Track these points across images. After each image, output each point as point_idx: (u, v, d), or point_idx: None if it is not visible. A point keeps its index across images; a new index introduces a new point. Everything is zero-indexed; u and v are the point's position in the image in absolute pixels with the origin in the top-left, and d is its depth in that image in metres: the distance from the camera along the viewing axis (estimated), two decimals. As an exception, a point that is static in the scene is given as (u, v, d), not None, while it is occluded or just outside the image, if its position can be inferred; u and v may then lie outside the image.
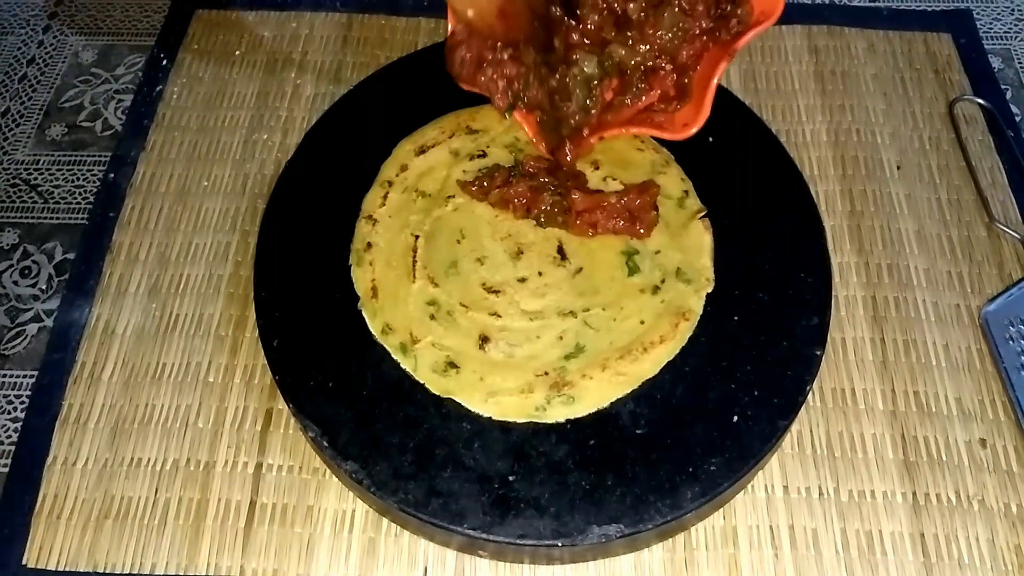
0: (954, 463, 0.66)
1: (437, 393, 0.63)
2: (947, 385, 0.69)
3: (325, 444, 0.61)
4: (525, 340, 0.66)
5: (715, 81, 0.63)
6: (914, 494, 0.65)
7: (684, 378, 0.64)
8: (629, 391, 0.63)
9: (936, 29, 0.90)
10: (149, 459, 0.66)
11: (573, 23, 0.64)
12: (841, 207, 0.78)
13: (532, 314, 0.67)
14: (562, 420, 0.62)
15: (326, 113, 0.78)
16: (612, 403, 0.63)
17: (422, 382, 0.64)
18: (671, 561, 0.62)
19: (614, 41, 0.65)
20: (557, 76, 0.67)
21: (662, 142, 0.75)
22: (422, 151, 0.75)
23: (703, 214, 0.71)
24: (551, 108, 0.69)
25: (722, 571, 0.62)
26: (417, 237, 0.71)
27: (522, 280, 0.69)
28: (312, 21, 0.92)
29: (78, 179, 0.83)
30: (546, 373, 0.64)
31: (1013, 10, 0.95)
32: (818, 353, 0.65)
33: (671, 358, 0.65)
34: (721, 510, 0.64)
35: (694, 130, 0.65)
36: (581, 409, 0.63)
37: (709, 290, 0.68)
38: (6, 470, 0.67)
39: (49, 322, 0.74)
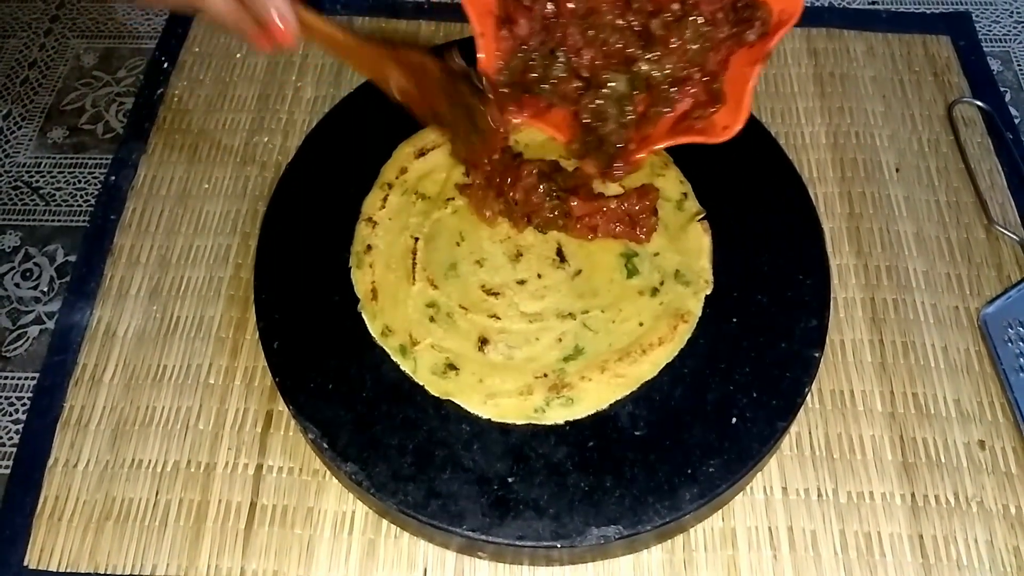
0: (953, 465, 0.66)
1: (436, 395, 0.64)
2: (946, 387, 0.69)
3: (325, 446, 0.61)
4: (524, 342, 0.66)
5: (751, 84, 0.63)
6: (913, 496, 0.65)
7: (683, 380, 0.64)
8: (628, 393, 0.64)
9: (935, 32, 0.91)
10: (150, 461, 0.66)
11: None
12: (840, 209, 0.78)
13: (531, 316, 0.67)
14: (561, 422, 0.63)
15: (326, 116, 0.78)
16: (611, 405, 0.63)
17: (421, 384, 0.64)
18: (670, 562, 0.62)
19: (640, 59, 0.65)
20: (590, 99, 0.66)
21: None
22: (422, 153, 0.76)
23: (702, 216, 0.71)
24: (589, 130, 0.67)
25: (721, 572, 0.62)
26: (417, 239, 0.71)
27: (521, 282, 0.69)
28: (313, 24, 0.92)
29: (79, 182, 0.83)
30: (545, 375, 0.64)
31: (1012, 12, 0.96)
32: (817, 355, 0.65)
33: (670, 360, 0.65)
34: (720, 511, 0.64)
35: (736, 130, 0.65)
36: (580, 411, 0.63)
37: (708, 292, 0.68)
38: (7, 472, 0.67)
39: (50, 324, 0.74)
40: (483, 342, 0.66)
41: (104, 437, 0.68)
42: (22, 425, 0.69)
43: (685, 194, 0.73)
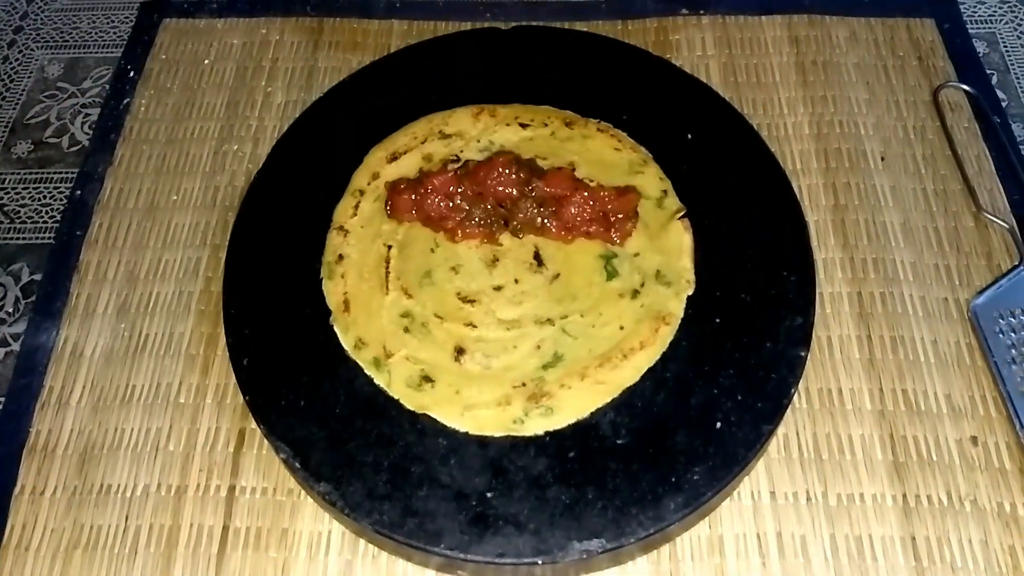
0: (945, 462, 0.64)
1: (412, 409, 0.62)
2: (936, 382, 0.67)
3: (297, 465, 0.60)
4: (502, 350, 0.64)
5: None
6: (904, 496, 0.63)
7: (665, 384, 0.63)
8: (609, 400, 0.62)
9: (919, 14, 0.89)
10: (119, 485, 0.65)
11: None
12: (824, 201, 0.76)
13: (509, 323, 0.65)
14: (541, 432, 0.61)
15: (295, 122, 0.77)
16: (592, 413, 0.62)
17: (396, 398, 0.63)
18: (656, 574, 0.61)
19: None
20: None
21: (640, 140, 0.74)
22: (394, 158, 0.74)
23: (682, 214, 0.70)
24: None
25: (709, 582, 0.61)
26: (390, 247, 0.69)
27: (498, 288, 0.67)
28: (283, 27, 0.90)
29: (44, 197, 0.81)
30: (523, 384, 0.63)
31: (997, -7, 0.94)
32: (802, 354, 0.63)
33: (652, 364, 0.63)
34: (707, 519, 0.62)
35: None
36: (560, 420, 0.61)
37: (690, 292, 0.66)
38: (-27, 501, 0.65)
39: (16, 346, 0.72)
40: (459, 352, 0.64)
41: (72, 462, 0.66)
42: (-12, 452, 0.67)
43: (665, 191, 0.71)
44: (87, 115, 0.87)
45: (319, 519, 0.63)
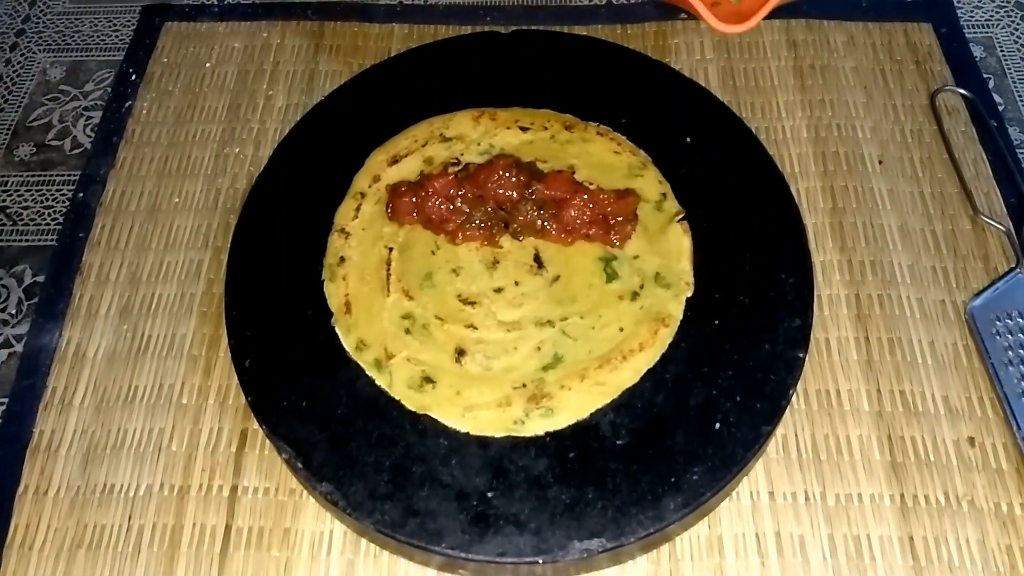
0: (942, 463, 0.65)
1: (413, 409, 0.62)
2: (933, 383, 0.68)
3: (299, 465, 0.60)
4: (502, 352, 0.65)
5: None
6: (902, 496, 0.63)
7: (665, 385, 0.63)
8: (609, 401, 0.62)
9: (916, 19, 0.89)
10: (122, 485, 0.65)
11: None
12: (823, 204, 0.77)
13: (509, 325, 0.66)
14: (541, 433, 0.61)
15: (297, 125, 0.77)
16: (592, 414, 0.62)
17: (398, 398, 0.63)
18: (656, 573, 0.61)
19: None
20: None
21: (640, 144, 0.74)
22: (395, 161, 0.74)
23: (681, 217, 0.70)
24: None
25: (708, 582, 0.61)
26: (391, 249, 0.70)
27: (498, 290, 0.68)
28: (283, 30, 0.91)
29: (47, 199, 0.81)
30: (524, 385, 0.63)
31: (994, -3, 0.94)
32: (801, 355, 0.63)
33: (651, 365, 0.64)
34: (706, 519, 0.63)
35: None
36: (560, 421, 0.62)
37: (689, 294, 0.67)
38: (-23, 501, 0.66)
39: (19, 347, 0.73)
40: (460, 353, 0.65)
41: (75, 462, 0.66)
42: (-9, 453, 0.67)
43: (664, 194, 0.72)
44: (89, 118, 0.87)
45: (321, 519, 0.63)
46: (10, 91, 0.90)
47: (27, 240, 0.79)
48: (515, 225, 0.69)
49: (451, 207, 0.69)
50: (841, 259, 0.74)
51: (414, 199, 0.69)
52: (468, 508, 0.58)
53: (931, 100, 0.83)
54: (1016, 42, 0.91)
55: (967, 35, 0.89)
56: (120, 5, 0.96)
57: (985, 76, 0.86)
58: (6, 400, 0.70)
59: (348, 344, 0.65)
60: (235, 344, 0.65)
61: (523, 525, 0.58)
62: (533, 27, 0.88)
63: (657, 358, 0.64)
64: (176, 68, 0.88)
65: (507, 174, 0.69)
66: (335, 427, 0.62)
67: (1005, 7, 0.94)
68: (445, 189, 0.69)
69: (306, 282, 0.68)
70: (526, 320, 0.66)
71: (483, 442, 0.61)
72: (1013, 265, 0.72)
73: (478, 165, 0.71)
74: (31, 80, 0.91)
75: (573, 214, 0.68)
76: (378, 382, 0.64)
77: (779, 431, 0.65)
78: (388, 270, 0.68)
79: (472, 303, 0.67)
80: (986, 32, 0.92)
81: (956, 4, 0.91)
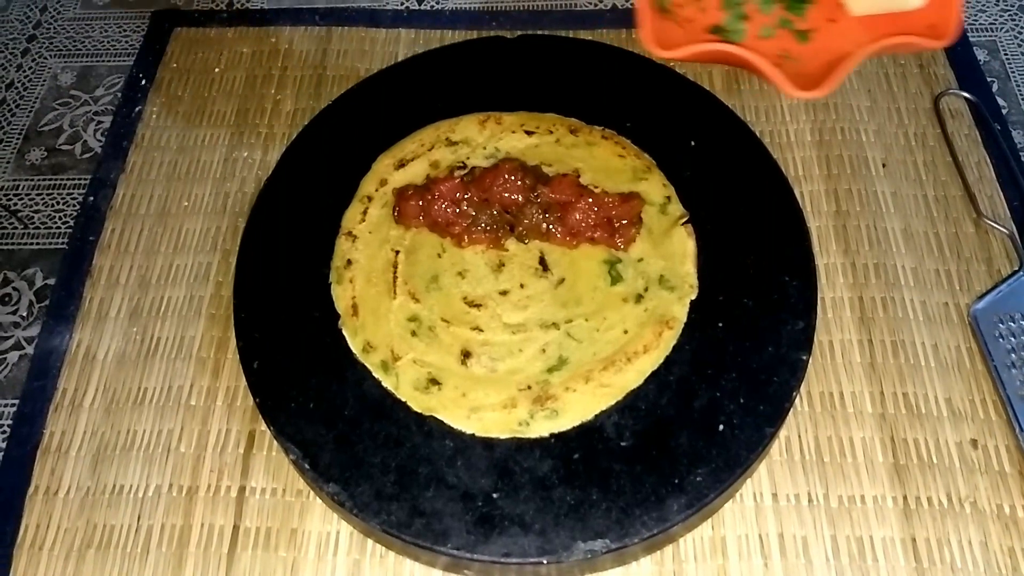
0: (945, 465, 0.65)
1: (419, 411, 0.63)
2: (936, 385, 0.68)
3: (307, 466, 0.60)
4: (507, 354, 0.65)
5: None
6: (905, 498, 0.64)
7: (669, 387, 0.63)
8: (613, 403, 0.63)
9: (920, 23, 0.89)
10: (131, 486, 0.66)
11: None
12: (826, 207, 0.77)
13: (514, 327, 0.66)
14: (546, 434, 0.62)
15: (304, 129, 0.77)
16: (596, 415, 0.62)
17: (404, 400, 0.63)
18: (659, 574, 0.62)
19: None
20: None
21: (644, 147, 0.75)
22: (401, 165, 0.75)
23: (686, 220, 0.70)
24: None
25: (712, 582, 0.61)
26: (397, 252, 0.70)
27: (504, 293, 0.68)
28: (291, 36, 0.92)
29: (58, 203, 0.82)
30: (529, 387, 0.63)
31: (998, 0, 0.94)
32: (804, 358, 0.64)
33: (655, 368, 0.64)
34: (709, 520, 0.63)
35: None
36: (565, 423, 0.62)
37: (693, 297, 0.67)
38: (-12, 500, 0.66)
39: (30, 349, 0.73)
40: (466, 355, 0.65)
41: (85, 463, 0.67)
42: (2, 453, 0.68)
43: (668, 197, 0.72)
44: (99, 122, 0.88)
45: (328, 519, 0.64)
46: (21, 96, 0.91)
47: (38, 243, 0.80)
48: (520, 228, 0.70)
49: (457, 210, 0.70)
50: (845, 262, 0.74)
51: (420, 202, 0.70)
52: (473, 509, 0.59)
53: (935, 103, 0.83)
54: (1020, 46, 0.91)
55: (971, 39, 0.89)
56: (130, 11, 0.97)
57: (989, 80, 0.87)
58: (17, 401, 0.70)
59: (355, 346, 0.66)
60: (243, 346, 0.66)
61: (528, 526, 0.58)
62: (538, 32, 0.88)
63: (661, 360, 0.64)
64: (185, 73, 0.89)
65: (512, 178, 0.69)
66: (342, 428, 0.62)
67: (1009, 11, 0.94)
68: (451, 192, 0.69)
69: (313, 284, 0.69)
70: (531, 322, 0.66)
71: (488, 443, 0.61)
72: (1016, 268, 0.73)
73: (484, 169, 0.71)
74: (42, 85, 0.92)
75: (578, 217, 0.69)
76: (384, 384, 0.64)
77: (782, 433, 0.66)
78: (394, 273, 0.69)
79: (478, 305, 0.67)
80: (990, 36, 0.92)
81: (960, 8, 0.92)
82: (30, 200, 0.83)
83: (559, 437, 0.62)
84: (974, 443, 0.66)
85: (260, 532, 0.64)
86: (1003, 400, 0.67)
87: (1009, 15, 0.93)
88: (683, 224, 0.70)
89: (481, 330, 0.66)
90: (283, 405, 0.63)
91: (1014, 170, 0.78)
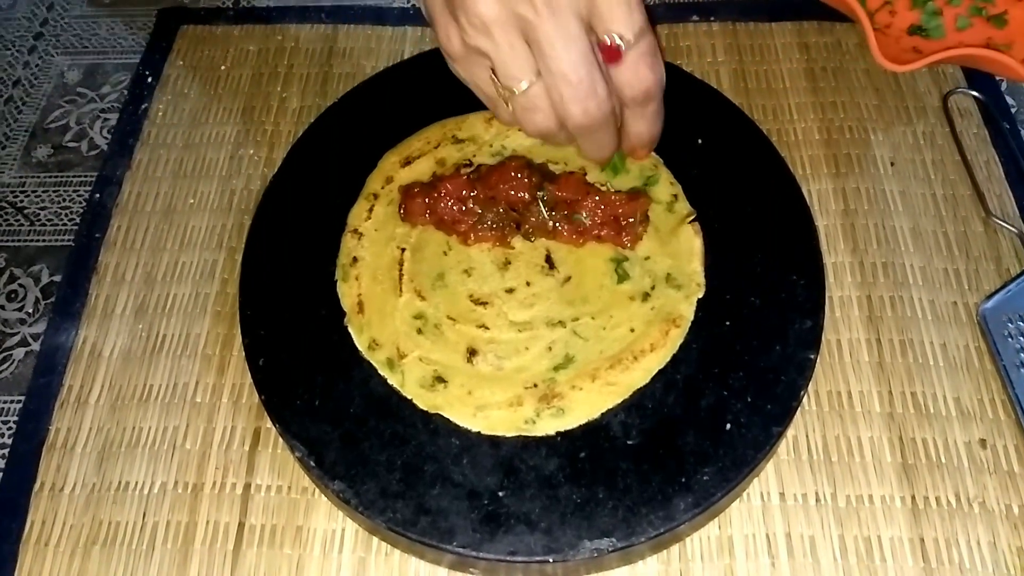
0: (953, 465, 0.64)
1: (425, 409, 0.63)
2: (945, 385, 0.68)
3: (312, 464, 0.60)
4: (514, 352, 0.65)
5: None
6: (913, 498, 0.63)
7: (675, 386, 0.63)
8: (620, 401, 0.63)
9: (928, 21, 0.89)
10: (137, 483, 0.66)
11: None
12: (834, 206, 0.77)
13: (520, 325, 0.66)
14: (552, 433, 0.61)
15: (310, 127, 0.77)
16: (602, 414, 0.62)
17: (410, 398, 0.63)
18: (666, 573, 0.61)
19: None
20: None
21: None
22: (407, 162, 0.75)
23: (693, 218, 0.70)
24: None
25: (719, 582, 0.61)
26: (403, 250, 0.70)
27: (510, 291, 0.68)
28: (297, 34, 0.92)
29: (64, 200, 0.82)
30: (535, 385, 0.63)
31: (1007, -1, 0.94)
32: (812, 357, 0.64)
33: (662, 366, 0.64)
34: (716, 519, 0.63)
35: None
36: (571, 421, 0.62)
37: (700, 295, 0.67)
38: (-7, 497, 0.66)
39: (36, 346, 0.73)
40: (472, 353, 0.65)
41: (90, 460, 0.67)
42: (7, 450, 0.68)
43: (676, 196, 0.72)
44: (106, 120, 0.88)
45: (333, 517, 0.64)
46: (28, 93, 0.91)
47: (44, 240, 0.80)
48: (527, 226, 0.69)
49: (463, 208, 0.69)
50: (853, 261, 0.74)
51: (426, 200, 0.70)
52: (479, 507, 0.59)
53: (943, 102, 0.83)
54: (1029, 44, 0.91)
55: (980, 37, 0.89)
56: (137, 9, 0.96)
57: (997, 79, 0.86)
58: (23, 398, 0.70)
59: (361, 344, 0.66)
60: (249, 343, 0.66)
61: (534, 524, 0.58)
62: (545, 29, 0.88)
63: (668, 359, 0.64)
64: (192, 71, 0.89)
65: (519, 175, 0.69)
66: (347, 426, 0.62)
67: (1018, 9, 0.93)
68: (457, 190, 0.69)
69: (319, 282, 0.69)
70: (537, 320, 0.66)
71: (494, 441, 0.61)
72: (1025, 267, 0.72)
73: (490, 166, 0.71)
74: (49, 83, 0.92)
75: (584, 215, 0.68)
76: (390, 381, 0.64)
77: (790, 432, 0.66)
78: (400, 270, 0.69)
79: (484, 303, 0.67)
80: (999, 34, 0.91)
81: (969, 6, 0.91)
82: (36, 197, 0.83)
83: (565, 435, 0.61)
84: (983, 443, 0.65)
85: (265, 529, 0.63)
86: (1012, 400, 0.66)
87: (1018, 14, 0.93)
88: (690, 222, 0.70)
89: (487, 328, 0.66)
90: (289, 402, 0.63)
91: (1023, 169, 0.78)
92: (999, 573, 0.60)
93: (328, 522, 0.64)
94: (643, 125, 0.66)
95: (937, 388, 0.68)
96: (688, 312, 0.66)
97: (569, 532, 0.57)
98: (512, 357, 0.65)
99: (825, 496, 0.64)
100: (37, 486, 0.66)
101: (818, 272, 0.67)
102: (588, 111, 0.60)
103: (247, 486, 0.65)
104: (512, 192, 0.69)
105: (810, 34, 0.89)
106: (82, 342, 0.72)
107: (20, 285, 0.77)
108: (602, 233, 0.68)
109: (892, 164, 0.79)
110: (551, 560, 0.57)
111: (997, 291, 0.71)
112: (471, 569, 0.60)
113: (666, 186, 0.72)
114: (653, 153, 0.74)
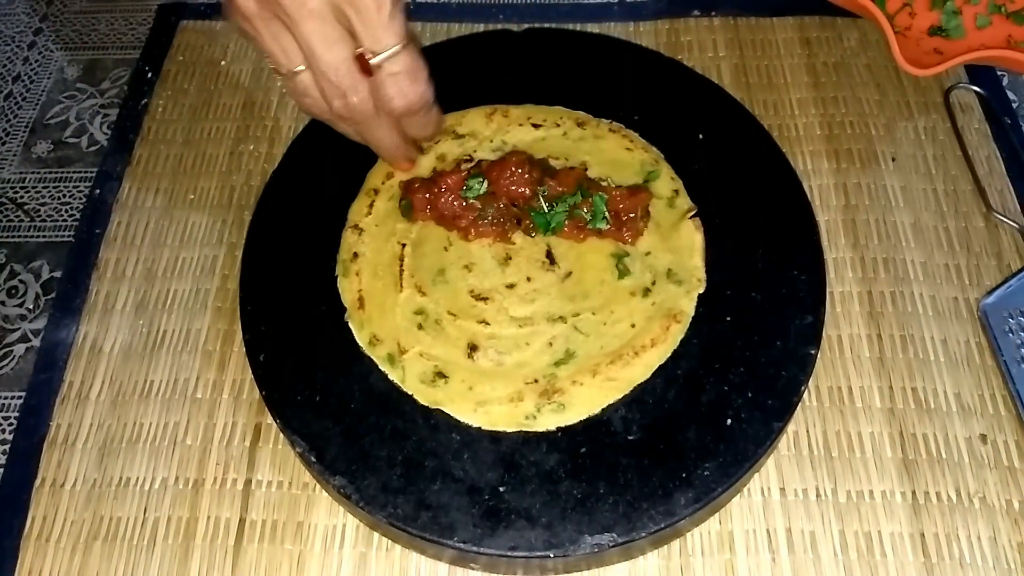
0: (954, 460, 0.64)
1: (426, 404, 0.63)
2: (946, 380, 0.68)
3: (313, 459, 0.60)
4: (514, 347, 0.65)
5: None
6: (913, 493, 0.63)
7: (676, 381, 0.63)
8: (620, 396, 0.63)
9: (930, 16, 0.89)
10: (137, 478, 0.66)
11: None
12: (835, 201, 0.77)
13: (521, 321, 0.66)
14: (553, 428, 0.61)
15: (310, 122, 0.77)
16: (603, 409, 0.62)
17: (410, 393, 0.63)
18: (667, 568, 0.61)
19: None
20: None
21: (652, 141, 0.74)
22: (408, 158, 0.74)
23: (694, 213, 0.70)
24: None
25: (719, 577, 0.61)
26: (404, 245, 0.70)
27: (511, 286, 0.68)
28: (298, 28, 0.91)
29: (64, 196, 0.82)
30: (536, 381, 0.63)
31: (1008, -6, 0.94)
32: (812, 352, 0.63)
33: (663, 361, 0.64)
34: (717, 515, 0.63)
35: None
36: (572, 416, 0.62)
37: (701, 291, 0.67)
38: (-6, 493, 0.66)
39: (36, 342, 0.73)
40: (472, 349, 0.65)
41: (91, 455, 0.67)
42: (8, 446, 0.68)
43: (676, 191, 0.72)
44: (106, 115, 0.88)
45: (334, 512, 0.64)
46: (28, 89, 0.91)
47: (44, 236, 0.80)
48: (527, 221, 0.69)
49: (464, 203, 0.69)
50: (854, 256, 0.74)
51: (427, 195, 0.70)
52: (480, 502, 0.59)
53: (945, 97, 0.83)
54: (1031, 39, 0.90)
55: (981, 32, 0.88)
56: (136, 4, 0.96)
57: (999, 73, 0.86)
58: (23, 394, 0.70)
59: (361, 339, 0.66)
60: (250, 339, 0.66)
61: (535, 519, 0.58)
62: (545, 25, 0.88)
63: (669, 354, 0.64)
64: (191, 66, 0.89)
65: (520, 171, 0.69)
66: (348, 421, 0.62)
67: (1020, 4, 0.93)
68: (458, 185, 0.69)
69: (320, 278, 0.69)
70: (538, 316, 0.66)
71: (495, 437, 0.61)
72: (1026, 262, 0.72)
73: (491, 162, 0.71)
74: (48, 78, 0.91)
75: (585, 211, 0.68)
76: (391, 377, 0.64)
77: (791, 427, 0.66)
78: (401, 266, 0.69)
79: (484, 299, 0.67)
80: (1000, 29, 0.91)
81: (970, 1, 0.91)
82: (36, 193, 0.83)
83: (566, 431, 0.61)
84: (983, 438, 0.65)
85: (266, 525, 0.63)
86: (1012, 395, 0.66)
87: (1019, 8, 0.93)
88: (691, 218, 0.70)
89: (488, 323, 0.66)
90: (289, 398, 0.63)
91: (1024, 164, 0.78)
92: (999, 568, 0.61)
93: (329, 518, 0.64)
94: (414, 129, 0.67)
95: (938, 383, 0.68)
96: (689, 307, 0.66)
97: (570, 527, 0.57)
98: (513, 353, 0.65)
99: (826, 491, 0.64)
100: (38, 482, 0.66)
101: (819, 267, 0.67)
102: (349, 106, 0.61)
103: (248, 482, 0.65)
104: (513, 187, 0.69)
105: (811, 29, 0.88)
106: (83, 338, 0.72)
107: (20, 281, 0.77)
108: (604, 230, 0.68)
109: (893, 159, 0.79)
110: (552, 555, 0.57)
111: (998, 286, 0.71)
112: (472, 564, 0.61)
113: (667, 181, 0.72)
114: (654, 148, 0.74)
